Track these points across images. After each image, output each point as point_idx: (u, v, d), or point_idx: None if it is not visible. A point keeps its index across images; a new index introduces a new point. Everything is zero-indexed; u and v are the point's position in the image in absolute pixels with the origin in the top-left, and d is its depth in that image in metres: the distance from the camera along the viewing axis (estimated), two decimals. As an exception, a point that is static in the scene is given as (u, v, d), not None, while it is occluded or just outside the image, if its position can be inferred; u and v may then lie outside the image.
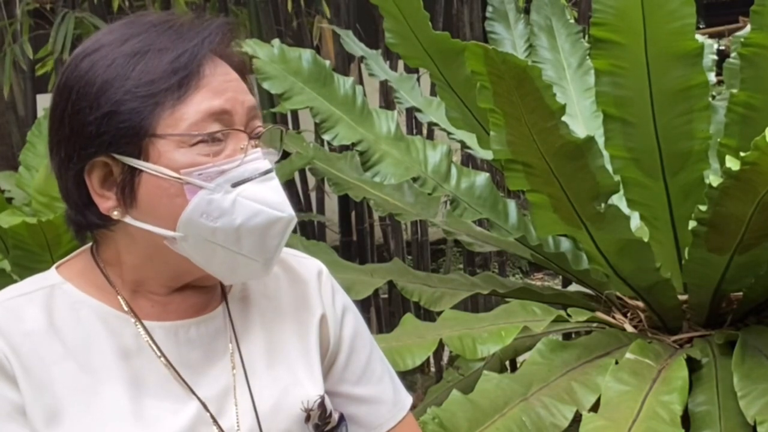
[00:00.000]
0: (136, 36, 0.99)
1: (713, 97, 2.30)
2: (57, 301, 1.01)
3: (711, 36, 4.42)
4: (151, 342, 1.01)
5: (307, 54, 2.51)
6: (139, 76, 0.96)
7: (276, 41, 2.53)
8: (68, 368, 0.97)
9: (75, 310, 1.00)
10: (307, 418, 1.08)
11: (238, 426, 1.02)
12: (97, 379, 0.97)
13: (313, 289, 1.15)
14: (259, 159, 0.99)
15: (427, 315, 2.50)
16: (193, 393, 1.01)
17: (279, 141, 1.07)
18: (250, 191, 0.98)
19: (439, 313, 2.06)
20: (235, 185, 0.97)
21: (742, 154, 1.54)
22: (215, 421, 1.01)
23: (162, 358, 1.01)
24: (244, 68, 1.06)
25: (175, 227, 0.97)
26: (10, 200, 2.48)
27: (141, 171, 0.97)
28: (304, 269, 1.16)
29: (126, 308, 1.02)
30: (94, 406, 0.97)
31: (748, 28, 1.98)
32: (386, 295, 3.50)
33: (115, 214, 0.98)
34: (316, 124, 2.47)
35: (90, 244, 1.07)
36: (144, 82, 0.96)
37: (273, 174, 1.00)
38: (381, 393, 1.17)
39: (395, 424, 1.16)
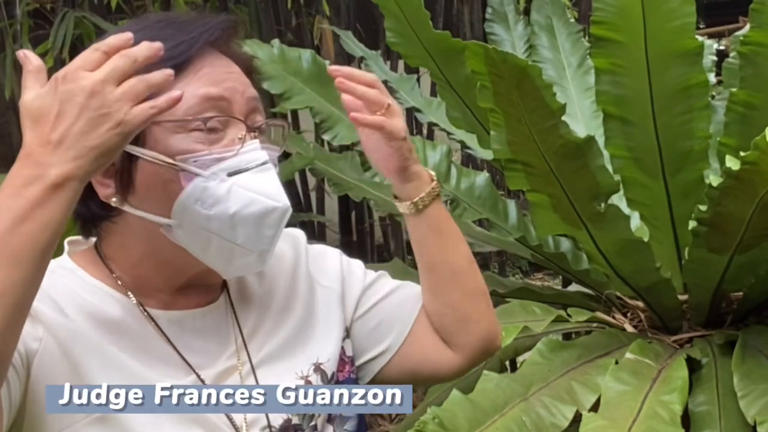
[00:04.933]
0: (140, 30, 1.00)
1: (712, 98, 2.30)
2: (73, 281, 1.02)
3: (711, 36, 4.42)
4: (155, 327, 1.02)
5: (306, 54, 2.51)
6: None
7: (275, 41, 2.53)
8: (78, 328, 0.97)
9: (87, 291, 1.01)
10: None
11: (245, 416, 1.02)
12: (105, 344, 0.98)
13: (299, 261, 1.16)
14: (257, 150, 1.00)
15: (427, 315, 2.49)
16: (200, 379, 1.02)
17: (281, 137, 1.07)
18: (245, 181, 0.98)
19: (439, 313, 2.06)
20: (230, 174, 0.97)
21: (742, 153, 1.53)
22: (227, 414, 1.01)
23: (167, 344, 1.01)
24: (248, 65, 1.07)
25: (170, 214, 0.98)
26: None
27: (138, 157, 0.97)
28: (283, 246, 1.16)
29: (133, 298, 1.03)
30: (108, 363, 0.97)
31: (748, 27, 1.98)
32: (386, 295, 3.49)
33: (114, 201, 0.99)
34: (315, 124, 2.47)
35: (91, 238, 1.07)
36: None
37: (270, 165, 1.00)
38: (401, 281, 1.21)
39: None
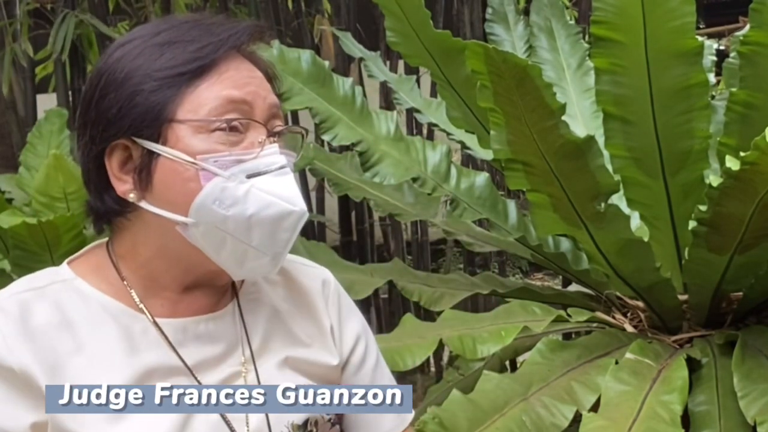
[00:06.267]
0: (167, 30, 1.03)
1: (712, 98, 2.30)
2: (68, 297, 1.02)
3: (711, 36, 4.43)
4: (161, 336, 1.02)
5: (306, 54, 2.51)
6: (164, 63, 1.00)
7: (275, 42, 2.53)
8: (78, 363, 0.98)
9: (86, 306, 1.01)
10: None
11: (246, 422, 1.02)
12: (105, 376, 0.98)
13: (317, 300, 1.16)
14: (276, 154, 1.01)
15: (427, 315, 2.49)
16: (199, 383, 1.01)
17: (299, 144, 1.09)
18: (264, 183, 0.99)
19: (439, 313, 2.06)
20: (250, 176, 0.99)
21: (742, 153, 1.53)
22: (222, 415, 1.01)
23: (173, 352, 1.01)
24: (269, 72, 1.08)
25: (188, 213, 0.98)
26: (10, 201, 2.48)
27: (159, 155, 0.99)
28: (308, 279, 1.17)
29: (138, 302, 1.03)
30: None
31: (748, 27, 1.98)
32: (386, 295, 3.49)
33: (131, 197, 1.00)
34: (315, 125, 2.47)
35: (104, 240, 1.08)
36: (166, 68, 0.99)
37: (288, 169, 1.02)
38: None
39: None
